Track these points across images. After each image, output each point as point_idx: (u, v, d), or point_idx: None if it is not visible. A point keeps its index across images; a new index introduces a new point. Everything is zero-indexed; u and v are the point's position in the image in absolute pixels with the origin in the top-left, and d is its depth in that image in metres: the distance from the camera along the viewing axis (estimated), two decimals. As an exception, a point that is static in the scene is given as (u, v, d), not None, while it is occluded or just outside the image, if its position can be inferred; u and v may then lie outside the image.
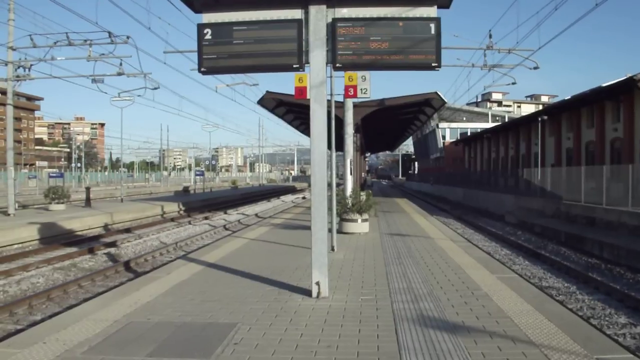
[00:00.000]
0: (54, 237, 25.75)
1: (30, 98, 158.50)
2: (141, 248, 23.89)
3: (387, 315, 8.79)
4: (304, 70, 9.94)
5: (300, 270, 12.62)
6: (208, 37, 9.93)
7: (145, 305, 9.67)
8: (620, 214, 25.35)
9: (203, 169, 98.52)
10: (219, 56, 9.97)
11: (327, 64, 9.88)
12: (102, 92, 34.70)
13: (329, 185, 17.26)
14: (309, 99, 10.25)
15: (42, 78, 31.15)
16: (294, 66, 9.83)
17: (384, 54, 9.67)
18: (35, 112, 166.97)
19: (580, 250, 22.99)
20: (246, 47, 9.88)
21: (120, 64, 28.13)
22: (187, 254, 19.03)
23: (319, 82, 9.87)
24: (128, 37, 26.93)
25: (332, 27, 9.74)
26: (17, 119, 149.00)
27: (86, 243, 24.76)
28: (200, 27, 9.96)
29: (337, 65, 9.82)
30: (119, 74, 27.98)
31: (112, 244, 24.19)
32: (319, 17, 9.80)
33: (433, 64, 9.68)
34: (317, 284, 9.95)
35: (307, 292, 10.18)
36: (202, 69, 10.02)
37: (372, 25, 9.70)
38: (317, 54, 9.78)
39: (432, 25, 9.63)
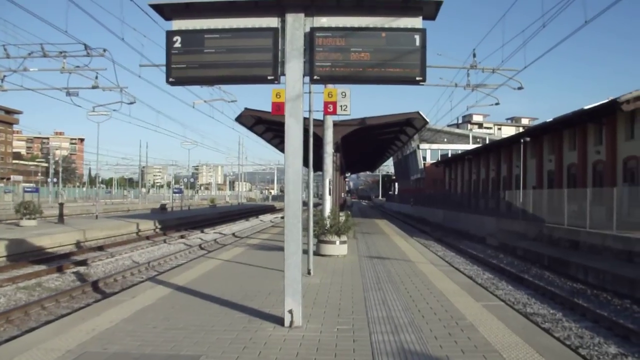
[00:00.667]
0: (22, 255, 24.86)
1: (8, 111, 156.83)
2: (112, 267, 23.04)
3: (364, 348, 8.09)
4: (279, 83, 9.27)
5: (274, 296, 11.89)
6: (177, 45, 9.25)
7: (104, 332, 8.91)
8: (605, 238, 24.85)
9: (182, 187, 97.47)
10: (188, 66, 9.29)
11: (304, 75, 9.24)
12: (76, 105, 33.82)
13: (306, 204, 16.62)
14: (286, 115, 9.58)
15: (15, 90, 30.24)
16: (269, 78, 9.17)
17: (365, 66, 9.04)
18: (14, 125, 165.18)
19: (564, 275, 22.44)
20: (218, 56, 9.22)
21: (96, 77, 27.44)
22: (156, 275, 18.21)
23: (295, 95, 9.22)
24: (105, 50, 26.23)
25: (310, 37, 9.11)
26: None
27: (55, 261, 23.88)
28: (170, 34, 9.29)
29: (315, 77, 9.16)
30: (94, 87, 27.24)
31: (82, 263, 23.35)
32: (297, 26, 9.17)
33: (417, 78, 9.07)
34: (290, 312, 9.23)
35: (280, 321, 9.44)
36: (171, 79, 9.34)
37: (352, 36, 9.07)
38: (294, 65, 9.14)
39: (417, 37, 9.02)
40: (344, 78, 9.35)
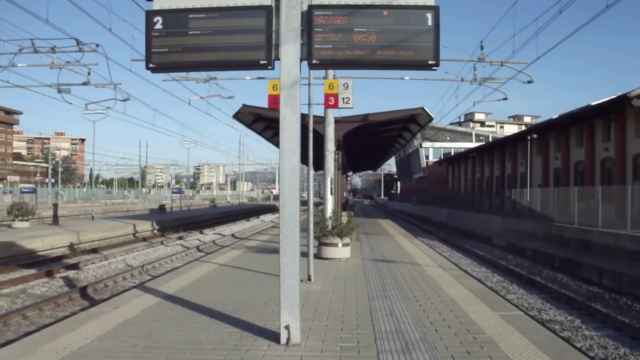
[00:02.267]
0: (11, 258, 23.85)
1: (8, 112, 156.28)
2: (104, 271, 21.93)
3: (372, 371, 7.04)
4: (272, 68, 8.18)
5: (270, 306, 10.79)
6: (158, 26, 8.20)
7: (76, 352, 7.84)
8: (619, 238, 23.76)
9: (182, 187, 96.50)
10: (171, 50, 8.23)
11: (301, 60, 8.16)
12: (67, 102, 32.59)
13: (306, 204, 15.57)
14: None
15: (3, 87, 29.29)
16: (262, 62, 8.09)
17: (371, 49, 7.97)
18: (15, 126, 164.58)
19: (578, 277, 21.33)
20: (204, 39, 8.15)
21: (88, 74, 26.51)
22: (146, 281, 17.12)
23: (291, 82, 8.13)
24: (97, 45, 25.27)
25: (308, 16, 8.03)
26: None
27: (45, 265, 22.88)
28: (149, 14, 8.23)
29: (314, 61, 8.08)
30: (85, 84, 26.30)
31: (73, 266, 22.34)
32: (293, 4, 8.09)
33: (430, 62, 8.00)
34: (287, 327, 8.13)
35: (275, 337, 8.35)
36: (151, 65, 8.30)
37: (356, 14, 7.99)
38: (290, 48, 8.06)
39: (429, 16, 7.97)
40: (347, 62, 8.21)
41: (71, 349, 8.00)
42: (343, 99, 13.96)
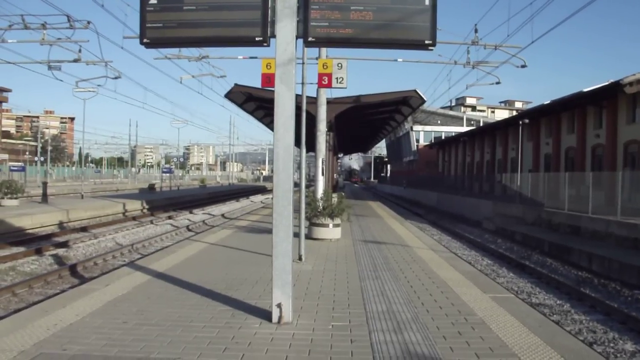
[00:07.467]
0: (0, 236, 23.67)
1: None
2: (93, 250, 21.89)
3: (364, 350, 6.99)
4: (268, 45, 8.10)
5: (261, 285, 10.81)
6: (153, 1, 8.09)
7: (67, 328, 7.79)
8: (609, 224, 23.85)
9: (171, 167, 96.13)
10: (165, 25, 8.14)
11: (297, 37, 8.09)
12: (58, 80, 32.38)
13: (298, 185, 15.54)
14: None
15: (-7, 63, 28.98)
16: (257, 39, 8.01)
17: (367, 27, 7.91)
18: (3, 104, 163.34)
19: (567, 262, 21.45)
20: (199, 14, 8.06)
21: (79, 51, 26.25)
22: (136, 260, 17.09)
23: (287, 59, 8.06)
24: (89, 22, 25.00)
25: (305, -7, 7.96)
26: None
27: (34, 243, 22.74)
28: (144, -12, 8.14)
29: (310, 39, 8.02)
30: (76, 61, 26.04)
31: (63, 245, 22.18)
32: (289, -20, 8.02)
33: (427, 42, 7.95)
34: (279, 306, 8.11)
35: (267, 315, 8.35)
36: (145, 40, 8.19)
37: (353, -8, 7.93)
38: (286, 25, 7.99)
39: (427, -5, 7.91)
40: (343, 40, 8.14)
41: (62, 325, 7.95)
42: (337, 78, 13.91)
